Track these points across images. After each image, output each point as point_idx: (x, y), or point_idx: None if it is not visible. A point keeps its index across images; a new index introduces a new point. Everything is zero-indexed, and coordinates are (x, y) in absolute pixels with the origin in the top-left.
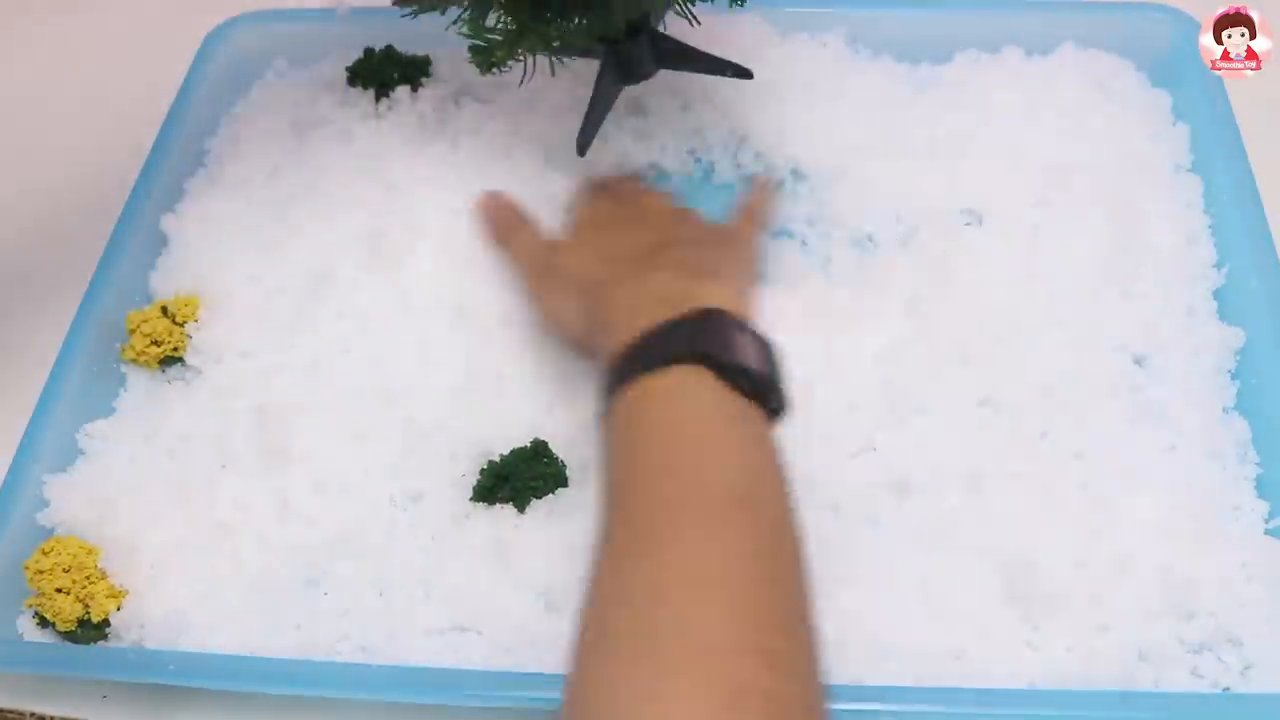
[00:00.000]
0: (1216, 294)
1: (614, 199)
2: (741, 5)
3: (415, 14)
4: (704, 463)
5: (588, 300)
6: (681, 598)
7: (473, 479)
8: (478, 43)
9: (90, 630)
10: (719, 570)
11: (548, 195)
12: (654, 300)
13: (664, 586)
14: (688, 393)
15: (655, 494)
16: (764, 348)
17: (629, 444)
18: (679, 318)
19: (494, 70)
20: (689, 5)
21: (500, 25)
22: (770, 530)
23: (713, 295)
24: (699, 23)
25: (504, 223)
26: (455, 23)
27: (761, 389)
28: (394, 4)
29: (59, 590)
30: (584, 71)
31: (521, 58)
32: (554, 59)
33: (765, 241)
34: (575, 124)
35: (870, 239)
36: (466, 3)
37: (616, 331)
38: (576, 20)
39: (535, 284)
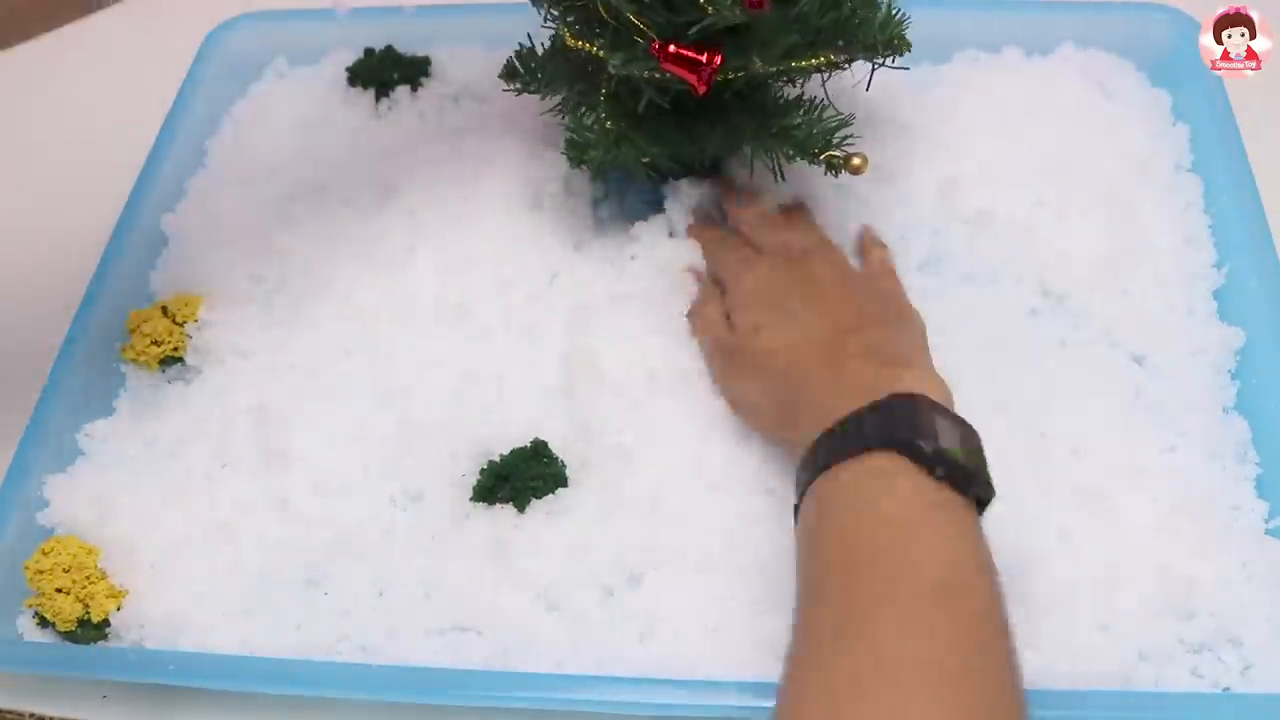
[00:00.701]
0: (1216, 294)
1: (777, 264)
2: (835, 176)
3: (520, 92)
4: (905, 553)
5: (778, 389)
6: (883, 694)
7: (473, 479)
8: (574, 137)
9: (90, 630)
10: (921, 665)
11: (548, 195)
12: (849, 389)
13: (864, 681)
14: (887, 481)
15: (855, 585)
16: (964, 434)
17: (827, 532)
18: (875, 404)
19: (584, 167)
20: (779, 156)
21: (598, 126)
22: (975, 623)
23: (908, 380)
24: (784, 179)
25: (701, 292)
26: (553, 110)
27: (963, 477)
28: (500, 77)
29: (59, 590)
30: None
31: (612, 158)
32: (642, 169)
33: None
34: None
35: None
36: (568, 96)
37: (811, 420)
38: (665, 146)
39: (721, 371)
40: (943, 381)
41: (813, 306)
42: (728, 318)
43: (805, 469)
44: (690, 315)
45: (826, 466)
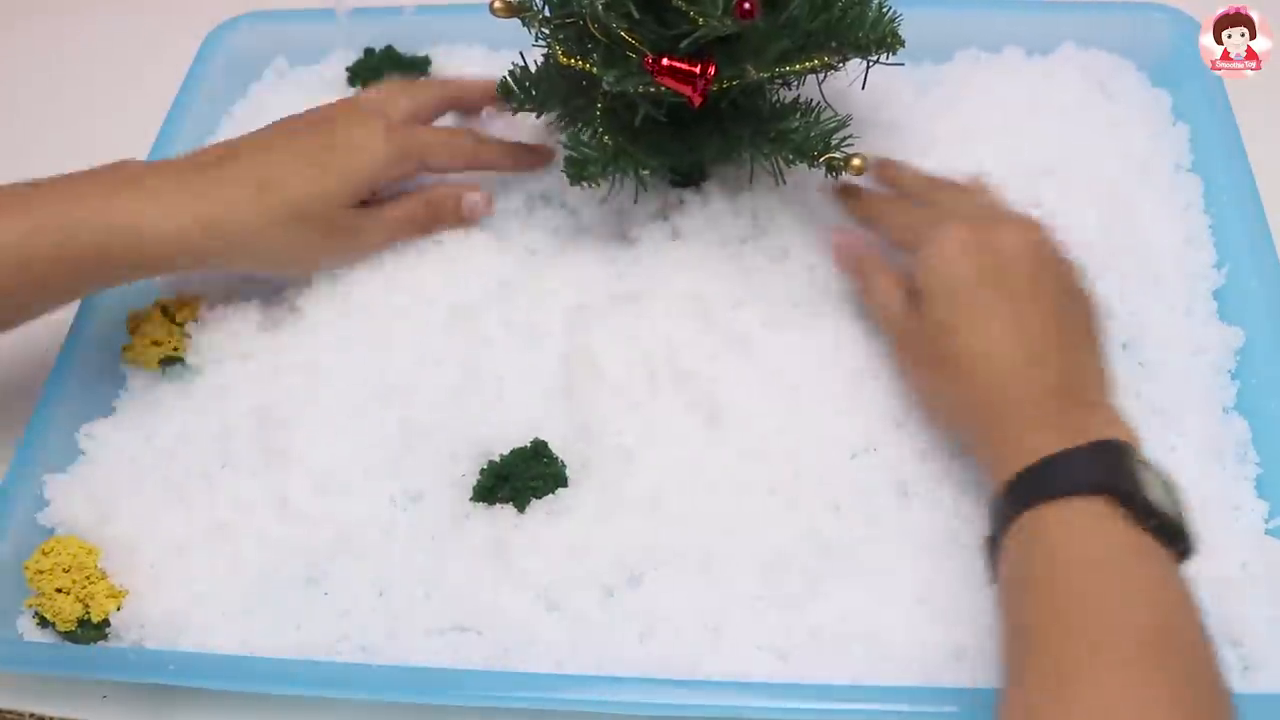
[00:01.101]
0: (1216, 294)
1: (965, 234)
2: (836, 178)
3: (516, 110)
4: (1119, 601)
5: (973, 401)
6: None
7: (473, 479)
8: (573, 154)
9: (90, 630)
10: (1149, 710)
11: (547, 196)
12: (1050, 425)
13: None
14: (1099, 526)
15: (1068, 634)
16: (1169, 486)
17: (1036, 577)
18: (1080, 446)
19: (584, 184)
20: (779, 160)
21: (595, 141)
22: (1191, 676)
23: (1104, 421)
24: (785, 182)
25: (865, 265)
26: (551, 125)
27: (1169, 529)
28: (498, 93)
29: (59, 590)
30: None
31: (611, 176)
32: (640, 181)
33: None
34: None
35: None
36: (564, 113)
37: (1011, 453)
38: (664, 157)
39: (910, 364)
40: (1128, 423)
41: (1007, 311)
42: (908, 296)
43: (1008, 503)
44: (869, 299)
45: (1028, 504)
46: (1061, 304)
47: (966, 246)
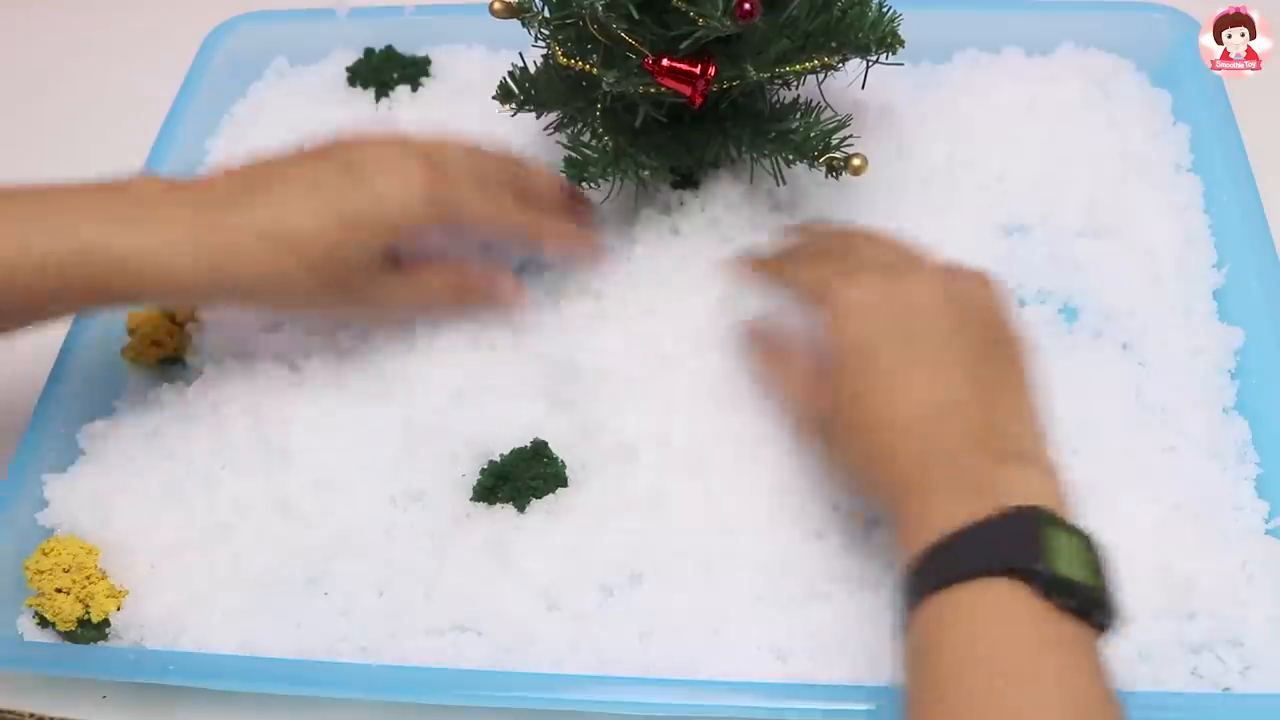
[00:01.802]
0: (1216, 294)
1: (873, 285)
2: (836, 178)
3: (515, 113)
4: (1021, 702)
5: (877, 461)
6: None
7: (473, 479)
8: (573, 155)
9: (90, 630)
10: None
11: None
12: (964, 489)
13: None
14: (1002, 614)
15: None
16: (1086, 548)
17: (934, 670)
18: (990, 519)
19: (584, 185)
20: (779, 160)
21: (595, 142)
22: None
23: (1028, 486)
24: (785, 182)
25: (771, 358)
26: (547, 129)
27: (1086, 604)
28: (494, 98)
29: (59, 590)
30: None
31: (612, 177)
32: (640, 182)
33: None
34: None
35: None
36: (564, 114)
37: (922, 522)
38: (664, 158)
39: (812, 426)
40: (1057, 471)
41: (918, 367)
42: (816, 373)
43: (918, 579)
44: (767, 375)
45: (936, 585)
46: (982, 353)
47: (872, 300)
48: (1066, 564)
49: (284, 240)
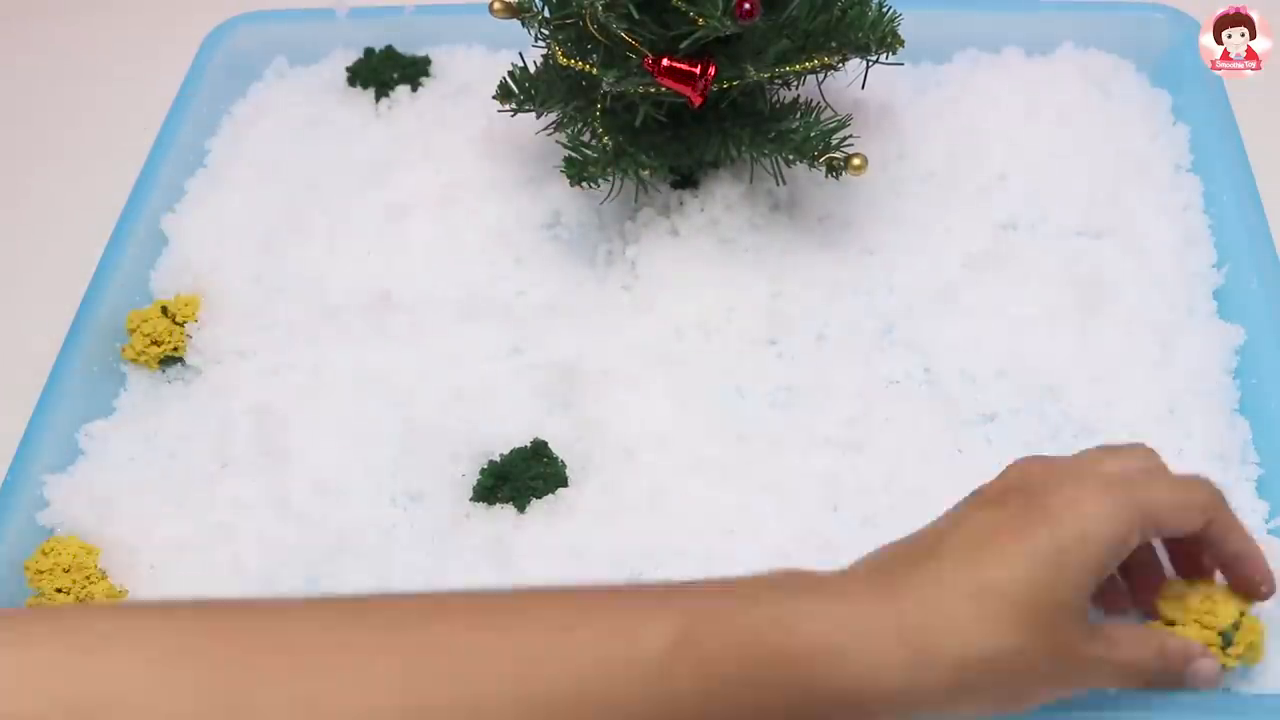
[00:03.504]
0: (1216, 294)
1: None
2: (836, 178)
3: (515, 113)
4: None
5: None
6: None
7: (473, 479)
8: (573, 155)
9: None
10: None
11: (548, 196)
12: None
13: None
14: None
15: None
16: None
17: None
18: None
19: (584, 185)
20: (779, 160)
21: (595, 142)
22: None
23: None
24: (785, 182)
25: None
26: (547, 129)
27: None
28: (494, 98)
29: (59, 590)
30: None
31: (612, 177)
32: (640, 181)
33: None
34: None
35: None
36: (564, 114)
37: None
38: (664, 157)
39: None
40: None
41: None
42: None
43: None
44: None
45: None
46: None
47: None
48: None
49: (991, 591)
